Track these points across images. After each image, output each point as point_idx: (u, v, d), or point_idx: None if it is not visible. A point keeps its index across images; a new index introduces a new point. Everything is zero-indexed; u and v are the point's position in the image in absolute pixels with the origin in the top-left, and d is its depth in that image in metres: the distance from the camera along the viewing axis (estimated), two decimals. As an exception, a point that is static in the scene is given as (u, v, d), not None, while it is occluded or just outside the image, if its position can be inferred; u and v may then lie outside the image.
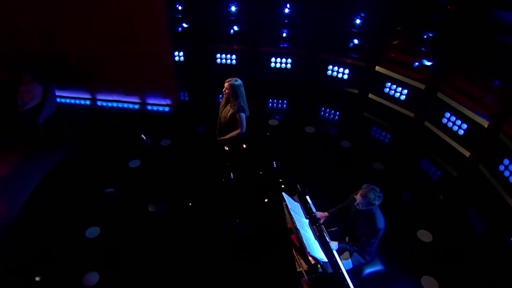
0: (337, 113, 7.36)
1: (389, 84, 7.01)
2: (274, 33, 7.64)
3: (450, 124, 6.25)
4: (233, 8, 7.59)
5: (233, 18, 7.58)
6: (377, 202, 3.51)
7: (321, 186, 5.27)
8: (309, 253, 3.28)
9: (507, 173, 5.33)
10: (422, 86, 6.57)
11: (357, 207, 3.62)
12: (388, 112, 7.13)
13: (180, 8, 7.63)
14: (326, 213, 4.06)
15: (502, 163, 5.40)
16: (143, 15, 6.13)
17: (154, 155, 6.00)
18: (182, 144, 6.35)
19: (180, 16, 7.59)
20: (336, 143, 6.50)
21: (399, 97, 6.98)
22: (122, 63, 6.72)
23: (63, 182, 5.46)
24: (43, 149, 6.02)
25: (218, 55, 7.91)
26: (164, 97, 7.15)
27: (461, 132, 6.09)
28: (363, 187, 3.60)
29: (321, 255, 3.37)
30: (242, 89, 4.50)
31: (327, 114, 7.35)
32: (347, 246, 3.72)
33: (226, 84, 4.47)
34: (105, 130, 6.58)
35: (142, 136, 4.59)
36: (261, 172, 3.15)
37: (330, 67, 7.58)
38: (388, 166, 6.03)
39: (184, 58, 7.99)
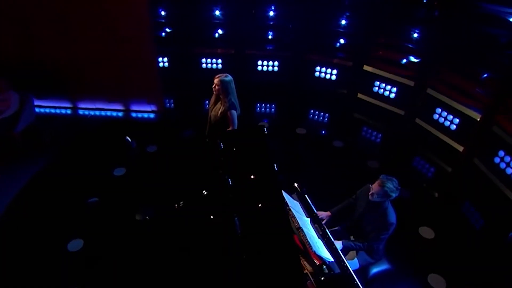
0: (327, 114, 7.16)
1: (378, 82, 6.88)
2: (260, 36, 7.44)
3: (441, 120, 6.12)
4: (217, 12, 7.38)
5: (218, 21, 7.36)
6: (394, 195, 3.28)
7: (317, 186, 5.04)
8: (314, 252, 2.99)
9: (503, 165, 5.19)
10: (411, 83, 6.45)
11: (371, 198, 3.37)
12: (378, 111, 6.98)
13: (163, 13, 7.36)
14: (328, 213, 3.79)
15: (497, 155, 5.27)
16: (125, 17, 5.84)
17: (140, 160, 5.66)
18: (169, 149, 6.01)
19: (163, 21, 7.32)
20: (329, 143, 6.29)
21: (388, 96, 6.85)
22: (103, 68, 6.39)
23: (42, 193, 5.05)
24: (21, 159, 5.60)
25: (204, 60, 7.66)
26: (149, 103, 6.82)
27: (453, 127, 5.97)
28: (381, 177, 3.35)
29: (327, 255, 3.09)
30: (233, 85, 4.25)
31: (317, 116, 7.14)
32: (353, 245, 3.45)
33: (215, 80, 4.20)
34: (87, 138, 6.19)
35: (127, 138, 4.26)
36: (261, 176, 2.84)
37: (318, 68, 7.42)
38: (383, 164, 5.84)
39: (168, 64, 7.70)
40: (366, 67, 6.89)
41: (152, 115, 6.89)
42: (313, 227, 3.37)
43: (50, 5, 5.76)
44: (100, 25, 5.91)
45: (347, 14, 6.92)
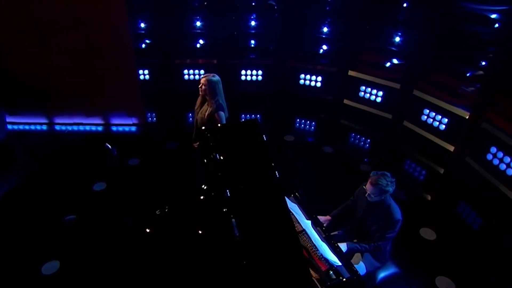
0: (314, 122, 6.94)
1: (364, 87, 6.75)
2: (242, 45, 7.25)
3: (430, 121, 6.00)
4: (198, 24, 7.17)
5: (199, 31, 7.14)
6: (390, 189, 3.02)
7: (311, 191, 4.77)
8: (320, 256, 2.67)
9: (496, 161, 5.06)
10: (397, 86, 6.35)
11: (369, 199, 3.10)
12: (366, 116, 6.81)
13: (143, 25, 7.08)
14: (328, 217, 3.50)
15: (489, 152, 5.14)
16: (102, 25, 5.53)
17: (122, 174, 5.25)
18: (153, 161, 5.63)
19: (143, 32, 7.04)
20: (319, 149, 6.04)
21: (375, 100, 6.71)
22: (80, 81, 6.02)
23: (15, 212, 4.56)
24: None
25: (186, 71, 7.38)
26: (130, 115, 6.44)
27: (442, 127, 5.84)
28: (371, 174, 3.09)
29: (334, 258, 2.76)
30: (220, 86, 3.97)
31: (303, 124, 6.91)
32: (358, 246, 3.14)
33: (202, 80, 3.92)
34: (65, 154, 5.73)
35: (107, 145, 3.90)
36: (263, 185, 2.53)
37: (302, 75, 7.26)
38: (375, 167, 5.61)
39: (149, 77, 7.37)
40: (351, 72, 6.76)
41: (133, 128, 6.50)
42: (315, 230, 3.06)
43: (23, 14, 5.40)
44: (77, 35, 5.57)
45: (328, 20, 6.82)
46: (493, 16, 5.02)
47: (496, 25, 5.00)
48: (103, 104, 6.29)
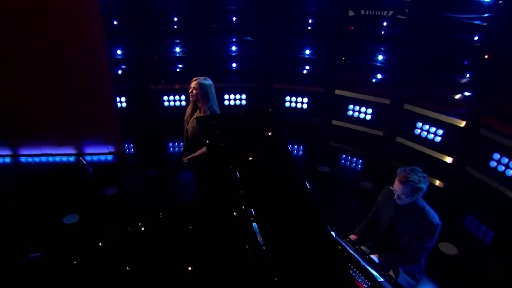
0: (302, 145, 6.57)
1: (352, 106, 6.52)
2: (223, 68, 6.96)
3: (424, 134, 5.77)
4: (177, 49, 6.87)
5: (178, 55, 6.82)
6: (423, 186, 2.58)
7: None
8: (364, 267, 2.12)
9: (501, 168, 4.81)
10: (386, 101, 6.16)
11: (400, 202, 2.64)
12: (356, 136, 6.51)
13: (119, 52, 6.68)
14: (354, 236, 2.98)
15: (492, 158, 4.89)
16: (76, 43, 5.08)
17: (98, 204, 4.55)
18: (133, 189, 4.99)
19: (119, 57, 6.61)
20: (314, 169, 5.61)
21: (364, 118, 6.47)
22: (51, 105, 5.44)
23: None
24: None
25: (166, 97, 6.93)
26: (106, 143, 5.81)
27: (438, 139, 5.62)
28: (398, 172, 2.65)
29: (375, 273, 2.22)
30: (213, 90, 3.56)
31: (292, 147, 6.52)
32: (393, 256, 2.61)
33: (193, 83, 3.49)
34: (32, 188, 4.99)
35: (81, 159, 3.34)
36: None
37: (288, 98, 6.98)
38: (376, 183, 5.22)
39: (126, 104, 6.85)
40: (338, 91, 6.55)
41: (109, 157, 5.85)
42: (342, 243, 2.52)
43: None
44: (46, 53, 5.08)
45: (310, 40, 6.71)
46: (477, 22, 5.00)
47: (476, 37, 5.00)
48: (76, 132, 5.66)
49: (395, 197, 2.66)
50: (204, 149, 3.57)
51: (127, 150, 6.24)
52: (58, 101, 5.41)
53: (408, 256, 2.63)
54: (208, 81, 3.53)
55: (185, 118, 3.72)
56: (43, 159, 5.72)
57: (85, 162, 3.46)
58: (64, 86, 5.32)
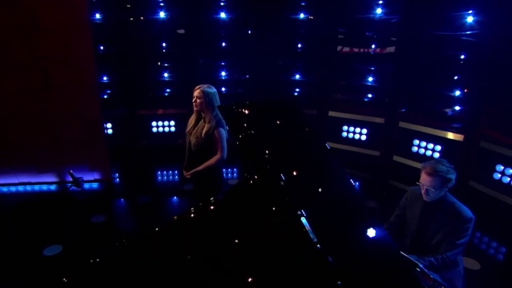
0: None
1: (346, 127, 6.42)
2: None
3: (422, 151, 5.70)
4: (165, 75, 6.68)
5: (167, 79, 6.61)
6: (452, 176, 2.46)
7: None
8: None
9: (506, 179, 4.71)
10: (381, 120, 6.10)
11: (428, 198, 2.53)
12: (352, 157, 6.34)
13: (105, 78, 6.39)
14: None
15: (495, 170, 4.81)
16: (63, 62, 4.78)
17: (84, 233, 4.05)
18: (123, 217, 4.53)
19: (105, 80, 6.31)
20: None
21: (359, 138, 6.35)
22: (31, 129, 5.01)
23: None
24: None
25: (154, 123, 6.61)
26: (92, 170, 5.36)
27: (436, 155, 5.54)
28: (422, 166, 2.51)
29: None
30: (218, 99, 3.31)
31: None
32: (423, 262, 2.37)
33: (196, 92, 3.25)
34: (8, 219, 4.45)
35: (71, 171, 3.00)
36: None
37: (280, 121, 6.80)
38: (381, 202, 4.99)
39: (112, 131, 6.46)
40: (331, 113, 6.46)
41: (95, 185, 5.37)
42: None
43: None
44: (30, 71, 4.73)
45: (301, 63, 6.69)
46: (464, 38, 5.10)
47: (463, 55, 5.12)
48: (59, 157, 5.20)
49: (422, 193, 2.50)
50: (209, 162, 3.28)
51: (115, 177, 5.80)
52: (40, 124, 5.00)
53: (439, 260, 2.40)
54: (212, 89, 3.31)
55: (188, 129, 3.44)
56: (20, 188, 5.17)
57: (76, 176, 3.05)
58: (47, 107, 4.95)
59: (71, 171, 3.06)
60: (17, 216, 4.54)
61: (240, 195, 1.98)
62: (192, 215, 1.94)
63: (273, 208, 1.67)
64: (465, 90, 5.22)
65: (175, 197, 5.22)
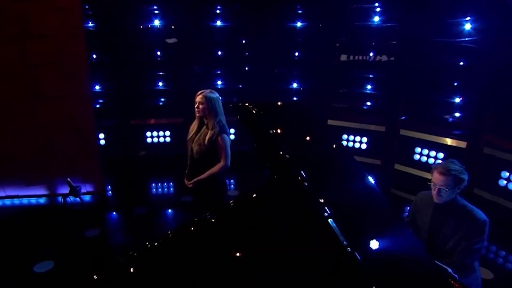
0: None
1: (346, 136, 6.40)
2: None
3: (424, 159, 5.68)
4: (160, 84, 6.61)
5: (161, 88, 6.55)
6: (465, 177, 2.40)
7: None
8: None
9: (512, 186, 4.68)
10: (382, 128, 6.09)
11: (439, 199, 2.44)
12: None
13: (97, 87, 6.29)
14: None
15: (500, 177, 4.80)
16: (55, 71, 4.69)
17: (77, 248, 3.89)
18: (117, 231, 4.38)
19: (97, 91, 6.21)
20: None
21: (360, 147, 6.32)
22: (21, 139, 4.86)
23: None
24: None
25: (149, 133, 6.49)
26: (84, 181, 5.19)
27: (439, 162, 5.48)
28: (434, 166, 2.49)
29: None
30: (221, 104, 3.22)
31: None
32: (448, 267, 2.31)
33: (199, 97, 3.19)
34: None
35: (69, 179, 2.88)
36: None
37: (278, 130, 6.75)
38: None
39: (105, 141, 6.32)
40: (330, 121, 6.43)
41: (87, 198, 5.20)
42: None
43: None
44: (21, 80, 4.61)
45: (298, 71, 6.70)
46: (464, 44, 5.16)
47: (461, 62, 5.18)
48: (49, 169, 5.04)
49: (434, 193, 2.44)
50: (213, 170, 3.18)
51: (108, 189, 5.64)
52: (30, 134, 4.85)
53: (455, 266, 2.31)
54: (215, 94, 3.24)
55: (189, 137, 3.35)
56: (7, 202, 4.98)
57: (73, 184, 2.94)
58: (38, 117, 4.81)
59: (69, 179, 2.93)
60: (4, 231, 4.35)
61: (260, 199, 1.89)
62: (210, 222, 1.84)
63: (297, 211, 1.59)
64: (460, 98, 5.27)
65: (172, 209, 5.08)
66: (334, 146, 1.86)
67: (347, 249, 1.33)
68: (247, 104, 1.87)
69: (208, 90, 3.26)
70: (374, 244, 1.43)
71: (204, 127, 3.26)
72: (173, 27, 6.31)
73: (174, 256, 1.77)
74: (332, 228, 1.40)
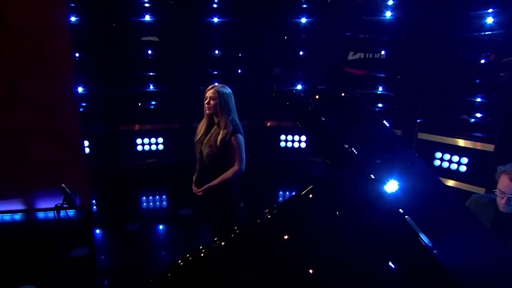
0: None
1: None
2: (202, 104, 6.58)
3: (445, 165, 5.53)
4: (151, 87, 6.43)
5: (153, 90, 6.36)
6: None
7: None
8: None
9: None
10: (398, 132, 5.96)
11: (504, 209, 2.30)
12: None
13: (80, 89, 6.06)
14: None
15: (534, 183, 4.67)
16: (34, 69, 4.44)
17: (64, 269, 3.63)
18: (109, 249, 4.12)
19: (82, 92, 5.97)
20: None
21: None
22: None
23: None
24: None
25: (139, 140, 6.26)
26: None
27: (463, 168, 5.38)
28: (502, 170, 2.32)
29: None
30: (233, 101, 3.06)
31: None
32: None
33: (210, 92, 3.00)
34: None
35: (63, 185, 2.70)
36: None
37: (283, 136, 6.62)
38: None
39: (90, 150, 6.05)
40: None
41: (70, 213, 4.91)
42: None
43: None
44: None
45: (303, 72, 6.62)
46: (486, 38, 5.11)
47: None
48: (26, 181, 4.74)
49: (501, 202, 2.27)
50: (225, 175, 2.97)
51: (93, 204, 5.38)
52: (4, 142, 4.57)
53: None
54: (228, 90, 3.06)
55: (197, 138, 3.14)
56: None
57: (68, 191, 2.74)
58: (13, 122, 4.54)
59: (63, 185, 2.75)
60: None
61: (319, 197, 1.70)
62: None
63: (367, 210, 1.42)
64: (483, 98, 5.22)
65: (169, 224, 4.84)
66: (391, 139, 1.70)
67: (434, 251, 1.16)
68: (291, 90, 1.71)
69: (220, 85, 3.06)
70: (462, 249, 1.27)
71: (215, 126, 3.07)
72: (166, 23, 6.19)
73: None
74: (412, 227, 1.23)
